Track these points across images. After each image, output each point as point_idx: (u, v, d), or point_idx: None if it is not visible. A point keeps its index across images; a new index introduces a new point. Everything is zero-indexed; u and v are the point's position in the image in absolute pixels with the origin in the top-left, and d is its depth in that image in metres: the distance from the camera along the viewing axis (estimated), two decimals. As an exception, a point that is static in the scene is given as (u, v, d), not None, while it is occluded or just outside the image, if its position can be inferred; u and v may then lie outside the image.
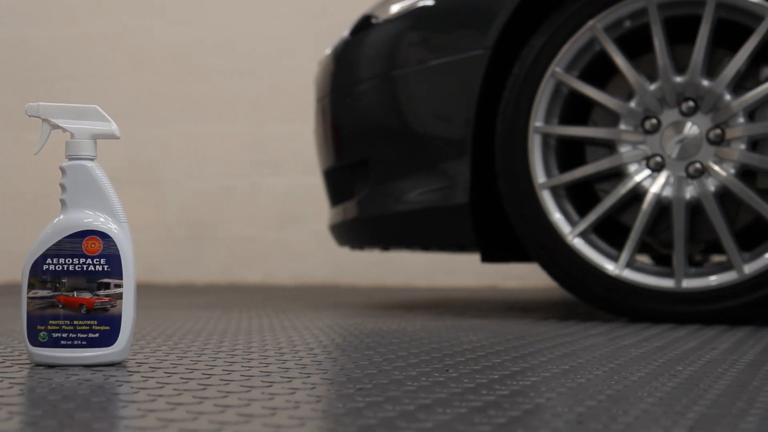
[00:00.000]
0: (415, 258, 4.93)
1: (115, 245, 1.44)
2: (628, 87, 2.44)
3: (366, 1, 3.64)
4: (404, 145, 2.67)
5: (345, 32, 2.89)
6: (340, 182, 2.95)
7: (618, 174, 2.45)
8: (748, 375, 1.39)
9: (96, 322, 1.42)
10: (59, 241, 1.42)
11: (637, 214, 2.40)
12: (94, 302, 1.42)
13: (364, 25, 2.80)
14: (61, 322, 1.41)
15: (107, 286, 1.43)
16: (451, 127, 2.58)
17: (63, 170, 1.45)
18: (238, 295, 3.95)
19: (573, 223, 2.44)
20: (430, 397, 1.17)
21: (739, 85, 2.37)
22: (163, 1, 5.57)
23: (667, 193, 2.37)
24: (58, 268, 1.42)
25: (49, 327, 1.41)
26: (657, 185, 2.38)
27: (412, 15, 2.68)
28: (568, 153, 2.54)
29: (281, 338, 1.92)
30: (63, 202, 1.45)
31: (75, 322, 1.42)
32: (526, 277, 4.83)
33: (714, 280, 2.32)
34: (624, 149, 2.43)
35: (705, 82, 2.34)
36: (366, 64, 2.78)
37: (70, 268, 1.42)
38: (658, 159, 2.40)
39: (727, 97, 2.33)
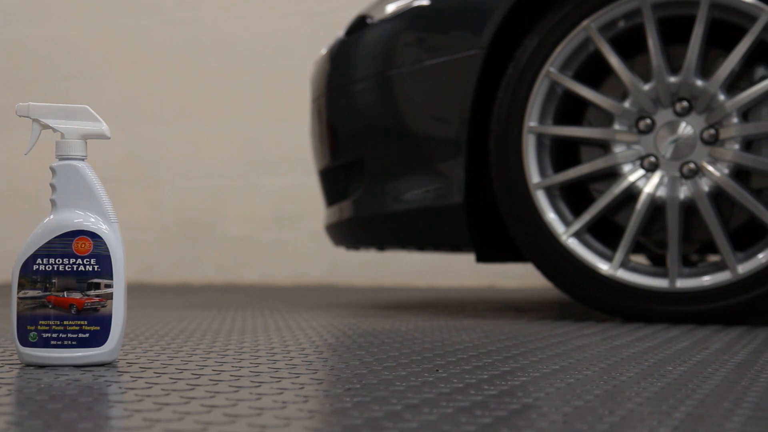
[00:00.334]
0: (413, 258, 4.93)
1: (106, 245, 1.43)
2: (622, 87, 2.44)
3: (363, 1, 3.64)
4: (399, 144, 2.67)
5: (340, 32, 2.89)
6: (335, 182, 2.95)
7: (612, 174, 2.45)
8: (737, 375, 1.39)
9: (86, 323, 1.42)
10: (49, 241, 1.42)
11: (632, 214, 2.40)
12: (84, 302, 1.42)
13: (360, 25, 2.81)
14: (51, 322, 1.42)
15: (97, 286, 1.43)
16: (446, 127, 2.58)
17: (53, 170, 1.45)
18: (234, 295, 3.95)
19: (567, 223, 2.45)
20: (418, 397, 1.18)
21: (733, 86, 2.37)
22: (160, 1, 5.57)
23: (661, 193, 2.38)
24: (49, 268, 1.42)
25: (39, 327, 1.42)
26: (651, 185, 2.38)
27: (408, 15, 2.68)
28: (563, 153, 2.54)
29: (274, 338, 1.92)
30: (53, 203, 1.45)
31: (65, 323, 1.42)
32: (524, 277, 4.83)
33: (708, 280, 2.32)
34: (618, 149, 2.43)
35: (699, 83, 2.35)
36: (361, 64, 2.78)
37: (61, 268, 1.42)
38: (653, 159, 2.40)
39: (721, 97, 2.33)
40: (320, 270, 5.23)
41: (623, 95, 2.44)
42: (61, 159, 1.46)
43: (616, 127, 2.43)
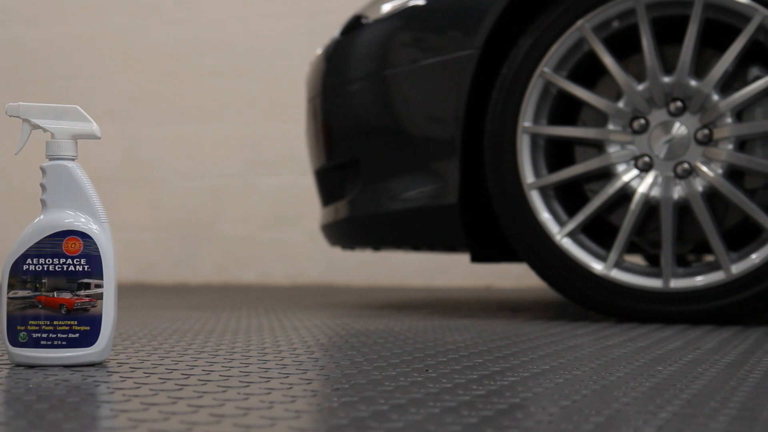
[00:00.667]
0: (410, 258, 4.93)
1: (96, 245, 1.44)
2: (616, 87, 2.44)
3: (362, 2, 3.64)
4: (394, 144, 2.67)
5: (336, 32, 2.89)
6: (331, 182, 2.96)
7: (606, 174, 2.45)
8: (726, 375, 1.39)
9: (76, 323, 1.42)
10: (39, 241, 1.42)
11: (626, 214, 2.40)
12: (74, 302, 1.42)
13: (355, 25, 2.81)
14: (41, 322, 1.42)
15: (87, 286, 1.43)
16: (441, 127, 2.58)
17: (43, 170, 1.45)
18: (231, 295, 3.95)
19: (562, 223, 2.45)
20: (406, 397, 1.18)
21: (727, 86, 2.37)
22: (159, 1, 5.57)
23: (655, 193, 2.38)
24: (39, 268, 1.42)
25: (29, 327, 1.42)
26: (645, 185, 2.38)
27: (403, 15, 2.68)
28: (557, 153, 2.54)
29: (267, 338, 1.92)
30: (43, 203, 1.45)
31: (55, 323, 1.42)
32: (521, 277, 4.83)
33: (702, 280, 2.32)
34: (612, 149, 2.43)
35: (693, 83, 2.35)
36: (357, 64, 2.79)
37: (51, 268, 1.42)
38: (647, 159, 2.40)
39: (715, 97, 2.33)
40: (318, 270, 5.23)
41: (617, 95, 2.44)
42: (51, 159, 1.46)
43: (610, 127, 2.43)
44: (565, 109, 2.52)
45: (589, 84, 2.49)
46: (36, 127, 1.46)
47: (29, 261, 1.42)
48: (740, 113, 2.36)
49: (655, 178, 2.38)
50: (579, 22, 2.40)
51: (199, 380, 1.30)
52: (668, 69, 2.40)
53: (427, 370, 1.43)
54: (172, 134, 5.51)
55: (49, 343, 1.42)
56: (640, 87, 2.39)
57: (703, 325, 2.29)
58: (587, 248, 2.43)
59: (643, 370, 1.45)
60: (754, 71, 2.40)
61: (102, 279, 1.44)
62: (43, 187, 1.45)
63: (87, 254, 1.43)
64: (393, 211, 2.66)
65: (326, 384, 1.29)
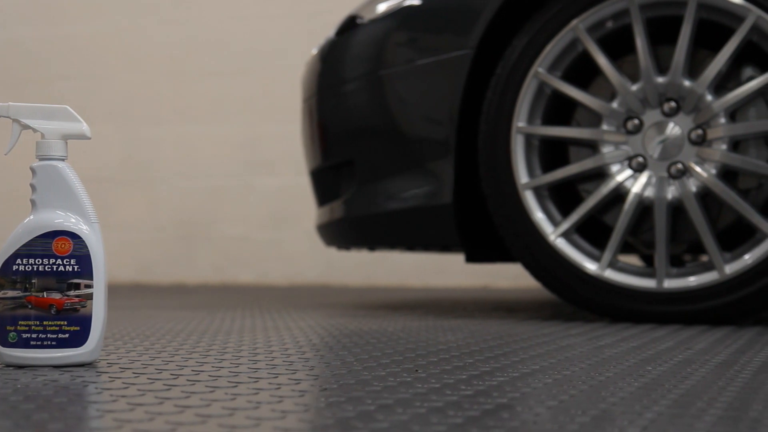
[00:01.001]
0: (408, 258, 4.93)
1: (86, 246, 1.44)
2: (610, 87, 2.45)
3: (360, 2, 3.64)
4: (389, 145, 2.67)
5: (331, 32, 2.89)
6: (326, 182, 2.96)
7: (601, 174, 2.45)
8: (715, 375, 1.39)
9: (66, 323, 1.42)
10: (29, 242, 1.43)
11: (620, 214, 2.40)
12: (64, 303, 1.42)
13: (350, 25, 2.81)
14: (31, 322, 1.42)
15: (77, 286, 1.43)
16: (436, 127, 2.58)
17: (33, 170, 1.45)
18: (228, 296, 3.96)
19: (556, 224, 2.45)
20: (393, 397, 1.18)
21: (720, 86, 2.37)
22: (157, 1, 5.58)
23: (649, 193, 2.38)
24: (29, 268, 1.42)
25: (18, 327, 1.42)
26: (639, 185, 2.38)
27: (398, 15, 2.68)
28: (552, 153, 2.54)
29: (259, 339, 1.92)
30: (33, 203, 1.45)
31: (45, 323, 1.42)
32: (518, 277, 4.82)
33: (696, 280, 2.32)
34: (606, 149, 2.43)
35: (687, 83, 2.35)
36: (352, 64, 2.79)
37: (40, 268, 1.42)
38: (640, 159, 2.40)
39: (709, 97, 2.33)
40: (316, 270, 5.23)
41: (611, 96, 2.44)
42: (41, 159, 1.46)
43: (604, 127, 2.43)
44: (559, 110, 2.52)
45: (583, 84, 2.49)
46: (26, 127, 1.46)
47: (19, 261, 1.42)
48: (734, 113, 2.36)
49: (649, 178, 2.38)
50: (573, 23, 2.41)
51: (188, 380, 1.30)
52: (662, 69, 2.40)
53: (416, 371, 1.43)
54: (171, 134, 5.51)
55: (39, 343, 1.42)
56: (634, 87, 2.39)
57: (697, 326, 2.29)
58: (581, 248, 2.43)
59: (633, 370, 1.45)
60: (748, 71, 2.40)
61: (92, 279, 1.44)
62: (33, 187, 1.45)
63: (77, 254, 1.43)
64: (388, 211, 2.67)
65: (315, 384, 1.29)
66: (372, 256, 4.95)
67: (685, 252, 2.61)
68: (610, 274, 2.38)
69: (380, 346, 1.78)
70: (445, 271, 5.01)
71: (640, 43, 2.36)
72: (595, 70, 2.47)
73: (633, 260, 3.47)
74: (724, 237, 2.41)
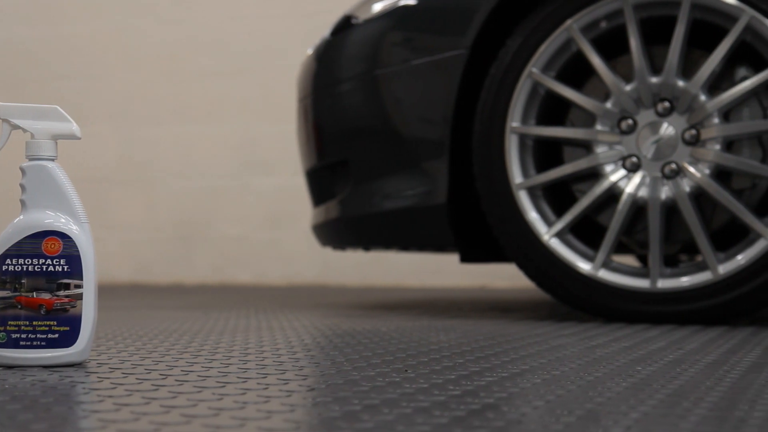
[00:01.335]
0: (406, 258, 4.93)
1: (75, 246, 1.44)
2: (604, 88, 2.45)
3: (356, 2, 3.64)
4: (384, 144, 2.67)
5: (326, 32, 2.89)
6: (322, 182, 2.96)
7: (595, 174, 2.45)
8: (703, 375, 1.39)
9: (55, 323, 1.42)
10: (19, 242, 1.43)
11: (613, 214, 2.40)
12: (54, 303, 1.42)
13: (345, 25, 2.81)
14: (20, 322, 1.42)
15: (67, 286, 1.43)
16: (431, 128, 2.58)
17: (23, 171, 1.46)
18: (225, 296, 3.96)
19: (550, 224, 2.45)
20: (380, 397, 1.18)
21: (714, 86, 2.37)
22: (155, 1, 5.58)
23: (643, 193, 2.38)
24: (18, 268, 1.42)
25: (8, 327, 1.42)
26: (632, 185, 2.38)
27: (392, 15, 2.68)
28: (546, 153, 2.54)
29: (251, 339, 1.92)
30: (23, 203, 1.45)
31: (34, 323, 1.42)
32: (515, 277, 4.81)
33: (689, 280, 2.32)
34: (600, 150, 2.43)
35: (680, 83, 2.35)
36: (347, 64, 2.79)
37: (30, 268, 1.42)
38: (634, 159, 2.40)
39: (702, 97, 2.33)
40: (313, 270, 5.23)
41: (605, 96, 2.44)
42: (31, 159, 1.46)
43: (598, 127, 2.43)
44: (553, 110, 2.52)
45: (577, 84, 2.49)
46: (15, 127, 1.47)
47: (9, 261, 1.42)
48: (727, 114, 2.36)
49: (643, 178, 2.38)
50: (567, 23, 2.41)
51: (177, 381, 1.30)
52: (656, 69, 2.40)
53: (406, 371, 1.43)
54: (169, 134, 5.51)
55: (29, 343, 1.42)
56: (628, 87, 2.39)
57: (690, 326, 2.29)
58: (575, 248, 2.43)
59: (622, 370, 1.45)
60: (742, 72, 2.40)
61: (82, 279, 1.44)
62: (22, 187, 1.45)
63: (67, 254, 1.43)
64: (382, 211, 2.67)
65: (303, 385, 1.29)
66: (370, 257, 4.95)
67: (680, 252, 2.61)
68: (604, 274, 2.38)
69: (372, 347, 1.78)
70: (443, 271, 5.01)
71: (634, 43, 2.37)
72: (589, 71, 2.47)
73: (630, 261, 3.47)
74: (718, 237, 2.41)
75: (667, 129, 2.37)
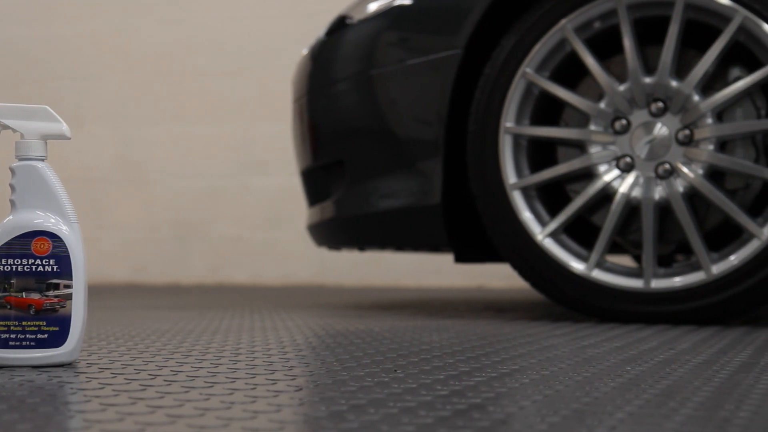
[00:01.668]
0: (403, 258, 4.93)
1: (65, 246, 1.44)
2: (598, 88, 2.45)
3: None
4: (379, 144, 2.67)
5: (321, 32, 2.90)
6: (317, 182, 2.96)
7: (588, 174, 2.45)
8: (692, 375, 1.39)
9: (45, 323, 1.42)
10: (8, 242, 1.43)
11: (607, 214, 2.40)
12: (43, 303, 1.42)
13: (340, 25, 2.81)
14: (9, 322, 1.42)
15: (56, 286, 1.43)
16: (425, 128, 2.58)
17: (12, 171, 1.46)
18: (222, 296, 3.96)
19: (543, 224, 2.45)
20: (367, 397, 1.18)
21: (708, 86, 2.37)
22: (152, 2, 5.58)
23: (636, 193, 2.38)
24: (7, 268, 1.42)
25: (-3, 327, 1.42)
26: (626, 185, 2.38)
27: (387, 15, 2.68)
28: (540, 153, 2.54)
29: (243, 339, 1.92)
30: (12, 203, 1.45)
31: (24, 323, 1.42)
32: (512, 277, 4.81)
33: (683, 280, 2.32)
34: (594, 150, 2.43)
35: (674, 83, 2.35)
36: (342, 64, 2.79)
37: (19, 268, 1.42)
38: (628, 159, 2.40)
39: (696, 97, 2.33)
40: (310, 270, 5.23)
41: (599, 96, 2.44)
42: (20, 159, 1.46)
43: (592, 127, 2.43)
44: (547, 110, 2.52)
45: (571, 85, 2.49)
46: (5, 127, 1.47)
47: (-2, 261, 1.42)
48: (721, 114, 2.36)
49: (636, 178, 2.38)
50: (561, 23, 2.41)
51: (165, 381, 1.30)
52: (650, 70, 2.40)
53: (395, 371, 1.43)
54: (166, 134, 5.51)
55: (18, 343, 1.42)
56: (622, 88, 2.39)
57: (684, 326, 2.29)
58: (569, 248, 2.43)
59: (612, 370, 1.45)
60: (735, 72, 2.40)
61: (71, 279, 1.44)
62: (12, 187, 1.45)
63: (56, 255, 1.43)
64: (377, 212, 2.67)
65: (291, 385, 1.29)
66: (367, 256, 4.95)
67: (675, 252, 2.61)
68: (598, 274, 2.38)
69: (363, 347, 1.78)
70: (440, 271, 5.01)
71: (628, 43, 2.37)
72: (583, 71, 2.47)
73: (625, 261, 3.47)
74: (712, 237, 2.41)
75: (660, 129, 2.37)
